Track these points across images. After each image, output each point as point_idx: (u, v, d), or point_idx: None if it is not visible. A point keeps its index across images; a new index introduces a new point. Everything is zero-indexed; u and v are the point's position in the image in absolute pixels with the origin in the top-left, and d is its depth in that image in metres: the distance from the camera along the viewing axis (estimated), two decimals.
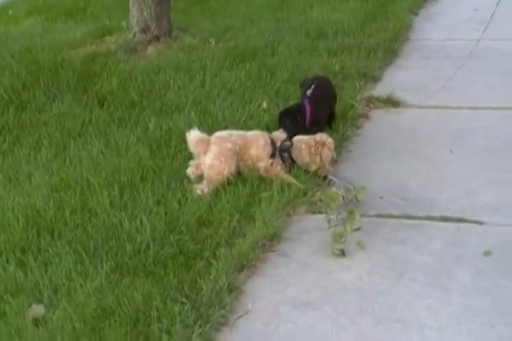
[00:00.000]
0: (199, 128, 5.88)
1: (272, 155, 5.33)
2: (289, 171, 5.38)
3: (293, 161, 5.42)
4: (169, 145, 5.90)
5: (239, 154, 5.33)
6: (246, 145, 5.36)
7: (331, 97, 6.20)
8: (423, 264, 4.31)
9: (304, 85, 6.17)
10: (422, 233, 4.65)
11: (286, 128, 5.66)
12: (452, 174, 5.39)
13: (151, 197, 5.13)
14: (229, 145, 5.29)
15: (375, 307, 3.94)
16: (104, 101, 6.98)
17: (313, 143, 5.39)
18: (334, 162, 5.50)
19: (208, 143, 5.32)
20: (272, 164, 5.30)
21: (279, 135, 5.51)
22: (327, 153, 5.38)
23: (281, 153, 5.38)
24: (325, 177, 5.40)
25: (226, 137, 5.37)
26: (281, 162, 5.37)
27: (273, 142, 5.41)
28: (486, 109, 6.47)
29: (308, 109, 5.83)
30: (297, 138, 5.47)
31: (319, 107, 5.91)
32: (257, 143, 5.37)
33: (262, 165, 5.32)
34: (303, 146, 5.38)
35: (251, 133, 5.50)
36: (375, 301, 3.99)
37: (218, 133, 5.43)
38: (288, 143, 5.42)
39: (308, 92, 5.97)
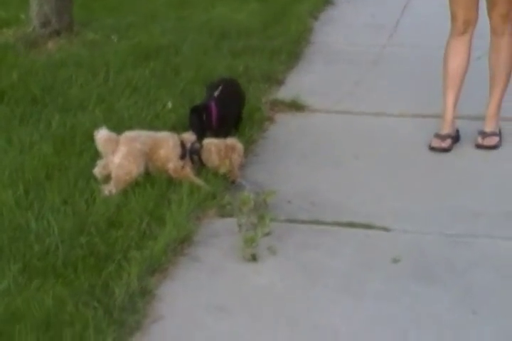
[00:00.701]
0: (105, 127, 5.82)
1: (182, 157, 5.30)
2: (198, 173, 5.36)
3: (202, 163, 5.40)
4: (74, 142, 5.78)
5: (148, 154, 5.27)
6: (155, 145, 5.31)
7: (238, 99, 6.20)
8: (334, 270, 4.36)
9: (211, 86, 6.15)
10: (332, 239, 4.72)
11: (193, 127, 5.67)
12: (359, 179, 5.48)
13: (58, 196, 5.01)
14: (138, 145, 5.24)
15: (290, 313, 3.97)
16: (4, 95, 6.78)
17: (223, 147, 5.37)
18: (242, 167, 5.51)
19: (117, 142, 5.24)
20: (182, 166, 5.27)
21: (189, 137, 5.48)
22: (236, 158, 5.38)
23: (191, 154, 5.36)
24: (233, 181, 5.41)
25: (135, 137, 5.31)
26: (190, 164, 5.34)
27: (183, 143, 5.36)
28: (390, 115, 6.60)
29: (214, 109, 5.81)
30: (207, 140, 5.45)
31: (226, 109, 5.89)
32: (167, 144, 5.32)
33: (171, 166, 5.27)
34: (213, 149, 5.36)
35: (160, 134, 5.45)
36: (290, 307, 4.02)
37: (127, 133, 5.35)
38: (197, 145, 5.40)
39: (216, 93, 5.95)
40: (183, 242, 4.64)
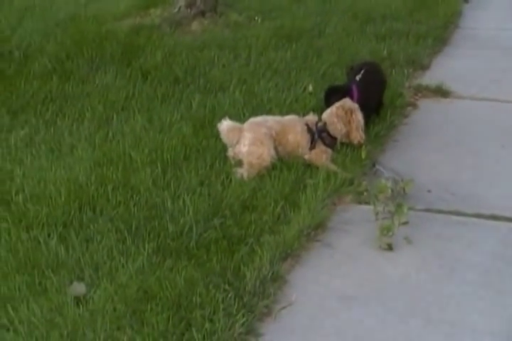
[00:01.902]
0: (243, 109, 5.82)
1: (312, 141, 5.27)
2: (334, 150, 5.35)
3: (333, 138, 5.36)
4: (213, 124, 5.77)
5: (276, 139, 5.24)
6: (283, 130, 5.29)
7: (380, 84, 6.05)
8: (474, 264, 4.18)
9: (353, 70, 6.02)
10: (472, 231, 4.53)
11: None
12: (503, 170, 5.25)
13: (195, 177, 5.03)
14: (263, 129, 5.21)
15: (425, 306, 3.82)
16: (148, 75, 6.90)
17: (344, 113, 5.34)
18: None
19: (240, 131, 5.23)
20: (315, 153, 5.24)
21: (312, 118, 5.46)
22: (359, 117, 5.37)
23: (320, 134, 5.32)
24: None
25: (260, 122, 5.30)
26: (323, 148, 5.30)
27: (309, 127, 5.34)
28: None
29: (355, 93, 5.69)
30: (325, 113, 5.43)
31: (368, 93, 5.76)
32: (295, 129, 5.30)
33: (306, 156, 5.26)
34: (335, 120, 5.33)
35: (287, 118, 5.42)
36: (424, 300, 3.87)
37: (251, 120, 5.35)
38: (321, 123, 5.36)
39: (358, 77, 5.81)
40: (317, 228, 4.56)
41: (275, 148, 5.21)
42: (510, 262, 4.21)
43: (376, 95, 5.95)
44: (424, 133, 5.91)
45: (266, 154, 5.14)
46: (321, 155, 5.25)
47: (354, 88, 5.71)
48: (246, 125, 5.25)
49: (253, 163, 5.10)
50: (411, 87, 6.71)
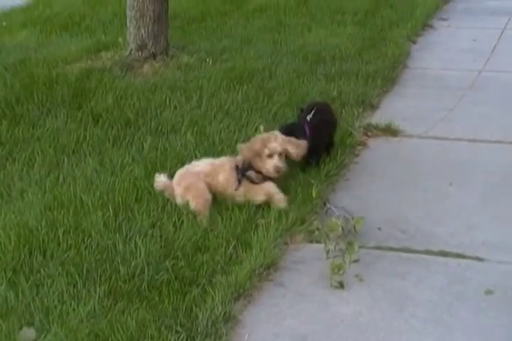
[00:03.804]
0: (195, 151, 5.85)
1: (239, 180, 5.26)
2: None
3: (262, 174, 5.28)
4: (165, 166, 5.81)
5: (207, 181, 5.26)
6: (214, 170, 5.32)
7: (331, 124, 6.11)
8: (424, 300, 4.22)
9: (304, 110, 6.08)
10: (422, 267, 4.58)
11: None
12: (452, 207, 5.33)
13: (146, 219, 5.04)
14: (189, 177, 5.28)
15: None
16: (99, 118, 6.90)
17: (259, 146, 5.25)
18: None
19: (172, 187, 5.30)
20: (246, 191, 5.24)
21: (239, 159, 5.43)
22: (273, 145, 5.22)
23: (244, 172, 5.28)
24: (324, 203, 5.33)
25: (185, 171, 5.36)
26: (253, 185, 5.26)
27: (237, 166, 5.33)
28: (486, 142, 6.42)
29: (308, 133, 5.74)
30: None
31: (319, 133, 5.81)
32: (224, 169, 5.31)
33: (229, 191, 5.25)
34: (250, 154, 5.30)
35: (218, 159, 5.46)
36: (375, 337, 3.90)
37: (178, 171, 5.40)
38: (246, 161, 5.31)
39: (308, 117, 5.86)
40: (269, 268, 4.58)
41: (208, 188, 5.24)
42: (458, 297, 4.26)
43: (326, 135, 6.01)
44: (374, 171, 5.98)
45: (200, 194, 5.17)
46: (254, 191, 5.23)
47: (306, 127, 5.76)
48: (174, 179, 5.31)
49: (197, 208, 5.12)
50: (361, 127, 6.78)
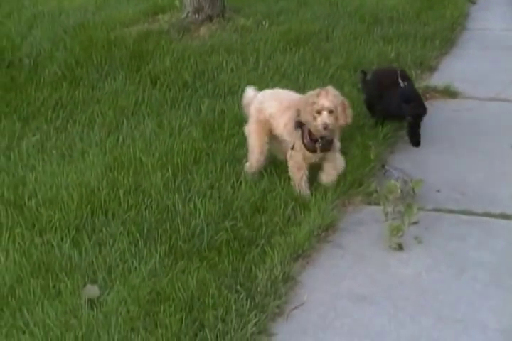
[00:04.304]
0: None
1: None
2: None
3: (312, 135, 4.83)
4: (222, 128, 5.84)
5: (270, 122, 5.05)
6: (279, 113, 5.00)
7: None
8: (484, 262, 4.20)
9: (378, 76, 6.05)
10: (482, 230, 4.55)
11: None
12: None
13: (205, 181, 5.07)
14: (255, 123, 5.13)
15: (436, 305, 3.84)
16: (157, 80, 6.95)
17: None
18: None
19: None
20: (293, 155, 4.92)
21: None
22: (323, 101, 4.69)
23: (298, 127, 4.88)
24: (383, 166, 5.30)
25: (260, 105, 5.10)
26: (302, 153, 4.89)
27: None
28: None
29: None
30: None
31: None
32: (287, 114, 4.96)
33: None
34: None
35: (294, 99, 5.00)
36: (435, 299, 3.89)
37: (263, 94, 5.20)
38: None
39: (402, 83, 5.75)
40: (328, 229, 4.59)
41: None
42: None
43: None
44: (432, 133, 5.92)
45: (252, 150, 5.14)
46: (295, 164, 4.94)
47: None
48: (255, 102, 5.14)
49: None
50: (419, 89, 6.70)
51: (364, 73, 6.14)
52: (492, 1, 9.71)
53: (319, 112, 4.66)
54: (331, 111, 4.65)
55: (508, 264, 4.19)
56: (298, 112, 4.81)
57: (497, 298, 3.89)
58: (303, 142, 4.85)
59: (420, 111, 5.66)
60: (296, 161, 4.90)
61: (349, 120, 4.74)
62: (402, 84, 5.71)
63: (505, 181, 5.13)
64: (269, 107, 5.02)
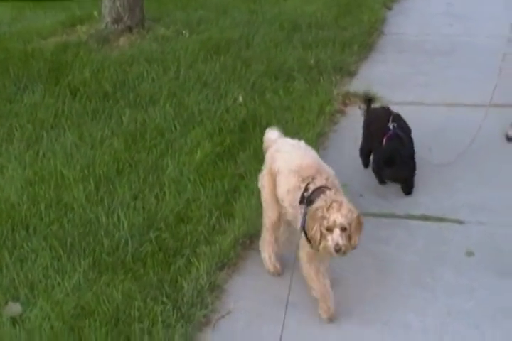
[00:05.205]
0: (174, 122, 5.85)
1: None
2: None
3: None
4: (144, 138, 5.82)
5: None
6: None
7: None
8: (407, 263, 4.27)
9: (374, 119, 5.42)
10: (404, 231, 4.62)
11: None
12: (431, 174, 5.33)
13: (128, 192, 5.04)
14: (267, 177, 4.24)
15: (360, 307, 3.90)
16: (77, 92, 6.85)
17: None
18: None
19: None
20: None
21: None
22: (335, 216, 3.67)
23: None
24: None
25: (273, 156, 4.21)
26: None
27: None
28: (464, 105, 6.43)
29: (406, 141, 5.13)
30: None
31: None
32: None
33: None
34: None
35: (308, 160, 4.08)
36: (360, 301, 3.95)
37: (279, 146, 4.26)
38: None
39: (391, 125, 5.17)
40: (252, 236, 4.59)
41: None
42: (438, 260, 4.34)
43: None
44: (353, 139, 5.96)
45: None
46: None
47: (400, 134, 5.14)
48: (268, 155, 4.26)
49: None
50: (339, 94, 6.77)
51: (369, 101, 5.60)
52: (407, 6, 9.84)
53: (330, 230, 3.65)
54: (344, 229, 3.66)
55: (429, 264, 4.28)
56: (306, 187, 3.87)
57: (419, 297, 3.96)
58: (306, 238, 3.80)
59: (403, 175, 5.10)
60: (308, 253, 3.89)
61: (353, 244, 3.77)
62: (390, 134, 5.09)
63: (424, 183, 5.20)
64: (282, 160, 4.12)
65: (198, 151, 5.53)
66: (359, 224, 3.73)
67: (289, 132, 5.82)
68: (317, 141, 5.83)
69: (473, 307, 3.91)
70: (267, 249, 4.24)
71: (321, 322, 3.80)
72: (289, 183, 3.96)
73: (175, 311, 3.86)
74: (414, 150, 5.16)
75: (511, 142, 5.75)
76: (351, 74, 7.39)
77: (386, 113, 5.33)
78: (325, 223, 3.63)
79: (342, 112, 6.54)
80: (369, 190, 5.16)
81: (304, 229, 3.75)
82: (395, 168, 4.94)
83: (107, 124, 6.14)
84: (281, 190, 4.03)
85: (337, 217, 3.62)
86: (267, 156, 4.24)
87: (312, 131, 5.88)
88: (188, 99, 6.56)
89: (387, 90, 6.74)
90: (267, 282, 4.19)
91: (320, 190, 3.78)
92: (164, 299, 3.95)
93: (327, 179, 3.87)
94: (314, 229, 3.66)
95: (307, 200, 3.78)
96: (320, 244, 3.66)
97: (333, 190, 3.75)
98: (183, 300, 3.96)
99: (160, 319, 3.78)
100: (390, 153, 4.94)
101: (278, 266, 4.28)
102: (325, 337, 3.71)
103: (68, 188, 5.08)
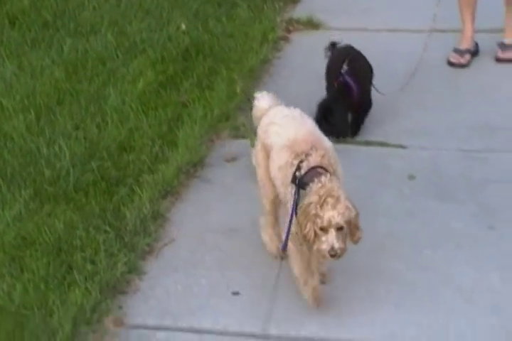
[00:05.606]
0: (116, 51, 5.75)
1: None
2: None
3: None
4: (86, 67, 5.73)
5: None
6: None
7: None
8: (350, 188, 4.27)
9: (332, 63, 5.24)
10: (348, 157, 4.61)
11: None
12: (374, 98, 5.30)
13: (69, 121, 4.99)
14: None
15: None
16: (15, 20, 6.68)
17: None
18: None
19: None
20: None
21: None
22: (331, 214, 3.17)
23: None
24: (248, 99, 5.18)
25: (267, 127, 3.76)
26: None
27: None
28: (407, 31, 6.40)
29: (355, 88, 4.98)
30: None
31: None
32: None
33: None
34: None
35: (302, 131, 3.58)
36: None
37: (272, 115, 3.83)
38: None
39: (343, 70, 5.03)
40: (196, 165, 4.60)
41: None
42: (381, 184, 4.40)
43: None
44: (297, 65, 5.95)
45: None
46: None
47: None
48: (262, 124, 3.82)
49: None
50: (283, 21, 6.70)
51: (333, 45, 5.36)
52: None
53: (324, 230, 3.18)
54: (340, 229, 3.19)
55: (371, 188, 4.34)
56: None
57: (362, 220, 3.98)
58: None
59: (336, 131, 4.70)
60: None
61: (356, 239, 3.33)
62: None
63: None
64: (275, 134, 3.65)
65: (141, 80, 5.46)
66: (356, 221, 3.27)
67: (232, 59, 5.84)
68: (261, 68, 5.79)
69: (416, 229, 3.98)
70: (267, 231, 3.84)
71: (262, 248, 3.83)
72: (281, 159, 3.50)
73: (118, 240, 3.86)
74: (368, 92, 5.08)
75: (453, 67, 5.77)
76: (295, 1, 7.29)
77: (344, 54, 5.19)
78: (318, 222, 3.14)
79: (286, 39, 6.48)
80: (313, 115, 5.13)
81: (295, 211, 3.33)
82: (327, 125, 4.57)
83: (47, 54, 6.01)
84: (273, 166, 3.59)
85: (332, 215, 3.13)
86: (260, 130, 3.79)
87: (256, 57, 5.84)
88: (129, 28, 6.44)
89: (331, 16, 6.70)
90: (210, 209, 4.20)
91: (314, 171, 3.32)
92: (107, 228, 3.94)
93: (323, 156, 3.38)
94: (308, 227, 3.17)
95: (299, 182, 3.33)
96: (314, 243, 3.20)
97: (328, 175, 3.29)
98: (125, 228, 3.96)
99: (103, 248, 3.78)
100: (324, 107, 4.90)
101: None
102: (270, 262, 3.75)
103: (8, 118, 5.00)
